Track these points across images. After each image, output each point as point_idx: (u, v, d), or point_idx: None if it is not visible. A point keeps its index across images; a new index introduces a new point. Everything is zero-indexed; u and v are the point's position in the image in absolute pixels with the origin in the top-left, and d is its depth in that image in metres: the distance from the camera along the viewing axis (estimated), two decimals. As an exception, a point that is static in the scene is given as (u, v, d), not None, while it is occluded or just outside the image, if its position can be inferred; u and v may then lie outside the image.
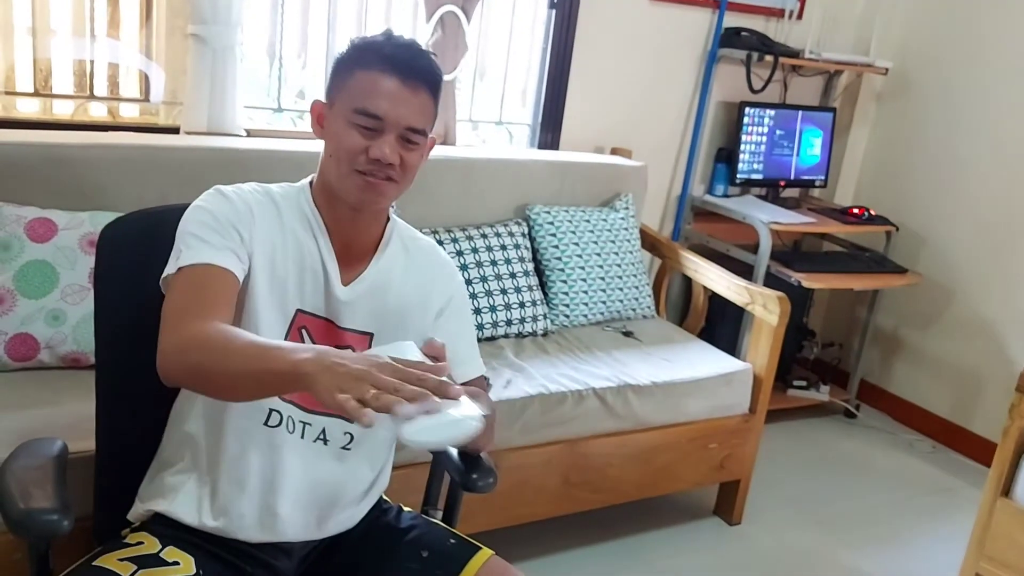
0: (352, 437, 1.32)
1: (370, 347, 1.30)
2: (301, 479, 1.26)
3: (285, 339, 1.25)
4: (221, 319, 1.12)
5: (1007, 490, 2.24)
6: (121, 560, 1.17)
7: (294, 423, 1.27)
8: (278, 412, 1.26)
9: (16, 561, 1.20)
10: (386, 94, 1.20)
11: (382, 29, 1.28)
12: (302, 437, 1.28)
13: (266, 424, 1.26)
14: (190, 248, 1.17)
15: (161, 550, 1.21)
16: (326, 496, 1.29)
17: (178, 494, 1.25)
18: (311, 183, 1.31)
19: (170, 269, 1.18)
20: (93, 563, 1.17)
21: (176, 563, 1.20)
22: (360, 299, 1.29)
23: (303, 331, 1.27)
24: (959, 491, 3.11)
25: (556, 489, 2.27)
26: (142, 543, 1.22)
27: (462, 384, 1.37)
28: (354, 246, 1.30)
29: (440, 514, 1.51)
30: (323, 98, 1.28)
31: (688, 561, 2.48)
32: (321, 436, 1.30)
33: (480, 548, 1.33)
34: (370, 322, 1.31)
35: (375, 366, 0.95)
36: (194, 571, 1.19)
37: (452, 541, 1.34)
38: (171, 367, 1.10)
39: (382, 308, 1.31)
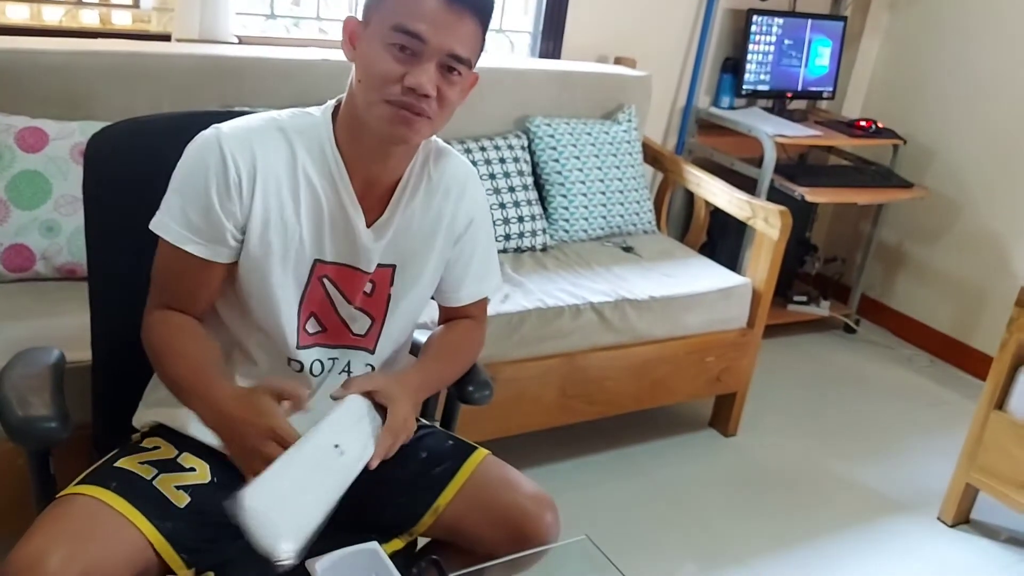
0: (373, 369, 1.33)
1: (392, 280, 1.28)
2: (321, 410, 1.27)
3: (304, 292, 1.22)
4: (198, 305, 1.21)
5: (1001, 403, 2.26)
6: (142, 463, 1.19)
7: (321, 364, 1.28)
8: (299, 362, 1.26)
9: (18, 467, 1.22)
10: (430, 15, 1.07)
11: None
12: (328, 372, 1.30)
13: (288, 367, 1.27)
14: (175, 220, 1.14)
15: (178, 455, 1.22)
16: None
17: (191, 417, 1.22)
18: (335, 110, 1.20)
19: (159, 221, 1.15)
20: (114, 464, 1.18)
21: (192, 469, 1.21)
22: (384, 241, 1.24)
23: (324, 280, 1.23)
24: (955, 404, 3.14)
25: (553, 401, 2.30)
26: (159, 447, 1.24)
27: (463, 306, 1.39)
28: (377, 184, 1.22)
29: (438, 423, 1.53)
30: (357, 15, 1.16)
31: (683, 471, 2.53)
32: (346, 368, 1.31)
33: (476, 448, 1.35)
34: (393, 255, 1.27)
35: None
36: (209, 478, 1.21)
37: (450, 443, 1.36)
38: (143, 337, 1.21)
39: (405, 242, 1.27)
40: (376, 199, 1.23)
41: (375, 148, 1.17)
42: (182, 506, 1.15)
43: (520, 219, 2.51)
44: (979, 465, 2.31)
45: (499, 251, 2.49)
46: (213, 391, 1.12)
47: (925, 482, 2.61)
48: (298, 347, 1.25)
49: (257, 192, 1.15)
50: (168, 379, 1.17)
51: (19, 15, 2.36)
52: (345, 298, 1.26)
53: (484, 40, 1.16)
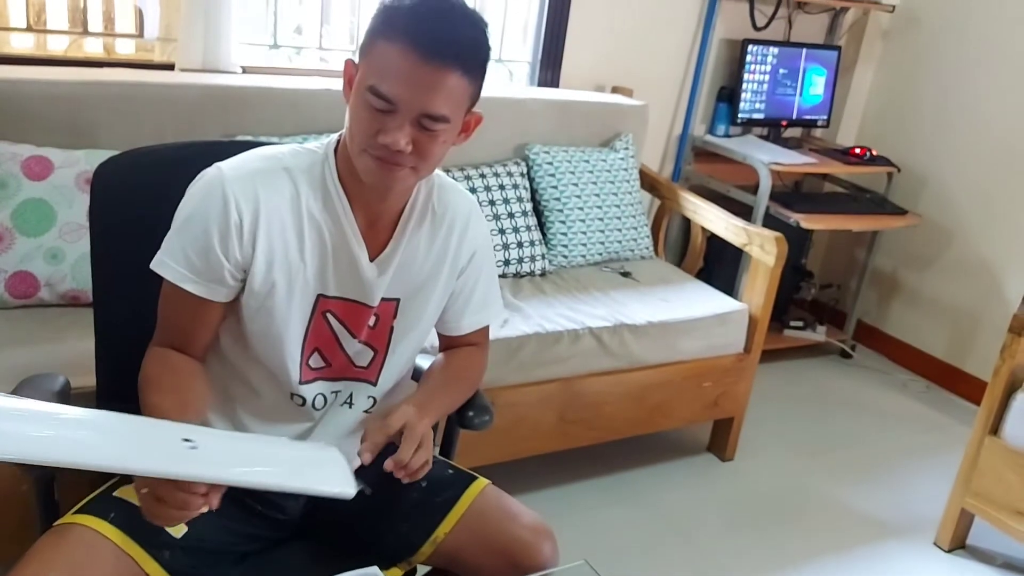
0: (375, 401, 1.33)
1: (396, 313, 1.28)
2: (324, 441, 1.27)
3: (308, 328, 1.23)
4: (196, 344, 1.22)
5: (995, 429, 2.28)
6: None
7: (324, 398, 1.29)
8: (301, 396, 1.26)
9: (22, 492, 1.23)
10: (403, 74, 1.04)
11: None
12: (331, 405, 1.30)
13: (291, 401, 1.28)
14: (175, 259, 1.15)
15: None
16: (346, 453, 1.31)
17: None
18: (337, 144, 1.20)
19: (159, 260, 1.16)
20: (113, 493, 1.19)
21: None
22: (387, 275, 1.25)
23: (327, 315, 1.24)
24: (950, 429, 3.15)
25: (552, 426, 2.31)
26: None
27: (465, 335, 1.39)
28: (381, 218, 1.23)
29: (437, 450, 1.54)
30: (349, 55, 1.18)
31: (681, 495, 2.54)
32: (348, 400, 1.31)
33: (477, 477, 1.36)
34: (397, 289, 1.27)
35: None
36: (207, 507, 1.22)
37: (450, 472, 1.37)
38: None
39: (408, 276, 1.27)
40: (380, 233, 1.24)
41: (371, 187, 1.17)
42: (179, 536, 1.16)
43: (519, 244, 2.54)
44: (974, 491, 2.32)
45: (499, 276, 2.50)
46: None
47: (921, 507, 2.62)
48: (300, 382, 1.25)
49: (260, 234, 1.15)
50: (145, 410, 1.14)
51: (24, 45, 2.40)
52: (350, 333, 1.26)
53: (478, 87, 1.14)
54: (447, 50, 1.06)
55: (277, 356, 1.23)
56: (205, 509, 1.01)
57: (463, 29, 1.09)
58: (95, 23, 2.44)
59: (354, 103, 1.11)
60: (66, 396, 1.29)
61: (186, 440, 1.00)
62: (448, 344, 1.43)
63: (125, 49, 2.53)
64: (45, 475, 1.21)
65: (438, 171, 1.28)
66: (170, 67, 2.42)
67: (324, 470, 1.12)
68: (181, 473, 0.97)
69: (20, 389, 1.27)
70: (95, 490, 1.22)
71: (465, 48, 1.09)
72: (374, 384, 1.32)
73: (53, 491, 1.22)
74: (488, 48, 1.13)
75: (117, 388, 1.40)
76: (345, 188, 1.19)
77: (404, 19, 1.06)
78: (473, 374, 1.42)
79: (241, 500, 1.28)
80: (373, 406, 1.34)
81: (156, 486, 0.99)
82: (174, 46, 2.45)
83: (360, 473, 1.13)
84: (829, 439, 3.00)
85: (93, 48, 2.48)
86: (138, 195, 1.35)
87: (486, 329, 1.44)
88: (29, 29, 2.37)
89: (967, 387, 3.37)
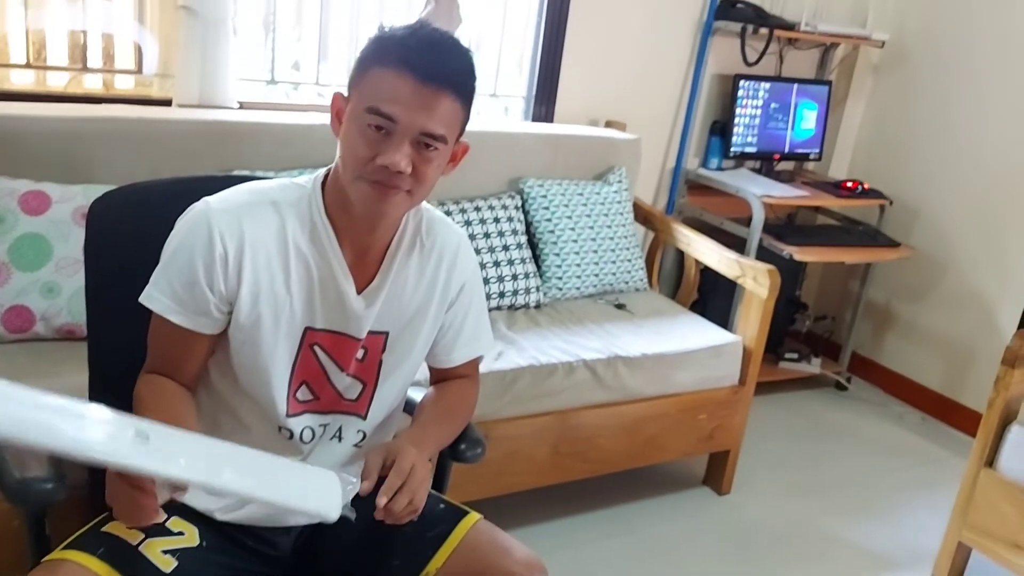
0: (364, 435, 1.33)
1: (385, 347, 1.28)
2: None
3: (295, 361, 1.24)
4: (184, 374, 1.23)
5: (991, 461, 2.28)
6: (130, 527, 1.18)
7: (312, 431, 1.29)
8: (288, 429, 1.26)
9: (14, 527, 1.23)
10: (401, 95, 1.09)
11: (409, 19, 1.15)
12: (319, 439, 1.30)
13: (279, 434, 1.27)
14: (162, 292, 1.17)
15: (167, 520, 1.22)
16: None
17: None
18: (325, 178, 1.23)
19: (147, 293, 1.18)
20: (102, 529, 1.18)
21: (181, 533, 1.22)
22: (375, 308, 1.26)
23: (315, 348, 1.25)
24: (946, 462, 3.15)
25: (546, 459, 2.30)
26: None
27: (456, 367, 1.40)
28: (369, 251, 1.24)
29: (429, 484, 1.54)
30: (344, 90, 1.19)
31: (677, 529, 2.53)
32: (337, 434, 1.31)
33: (469, 512, 1.35)
34: (385, 322, 1.28)
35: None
36: (198, 542, 1.22)
37: (442, 506, 1.36)
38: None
39: (397, 309, 1.28)
40: (368, 266, 1.25)
41: (361, 219, 1.19)
42: (168, 571, 1.16)
43: (514, 277, 2.55)
44: (970, 523, 2.31)
45: (493, 308, 2.52)
46: None
47: (918, 540, 2.61)
48: (287, 415, 1.25)
49: (245, 266, 1.17)
50: None
51: (25, 81, 2.42)
52: (338, 366, 1.27)
53: (467, 113, 1.18)
54: (442, 75, 1.11)
55: (264, 389, 1.23)
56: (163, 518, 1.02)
57: (453, 58, 1.14)
58: (95, 59, 2.46)
59: (348, 131, 1.14)
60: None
61: (139, 434, 0.94)
62: (439, 377, 1.43)
63: (124, 85, 2.55)
64: (36, 510, 1.21)
65: (427, 204, 1.30)
66: (168, 103, 2.44)
67: (310, 488, 1.10)
68: (111, 462, 0.92)
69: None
70: (87, 523, 1.21)
71: (456, 74, 1.13)
72: (363, 418, 1.32)
73: (44, 526, 1.21)
74: (475, 77, 1.18)
75: (110, 422, 1.40)
76: (332, 221, 1.21)
77: (397, 48, 1.11)
78: (465, 407, 1.42)
79: (231, 534, 1.27)
80: (363, 440, 1.34)
81: (112, 482, 1.00)
82: (172, 82, 2.48)
83: (354, 504, 1.13)
84: (825, 472, 2.99)
85: (92, 84, 2.50)
86: (133, 230, 1.36)
87: (477, 361, 1.45)
88: (29, 66, 2.39)
89: (962, 419, 3.37)
